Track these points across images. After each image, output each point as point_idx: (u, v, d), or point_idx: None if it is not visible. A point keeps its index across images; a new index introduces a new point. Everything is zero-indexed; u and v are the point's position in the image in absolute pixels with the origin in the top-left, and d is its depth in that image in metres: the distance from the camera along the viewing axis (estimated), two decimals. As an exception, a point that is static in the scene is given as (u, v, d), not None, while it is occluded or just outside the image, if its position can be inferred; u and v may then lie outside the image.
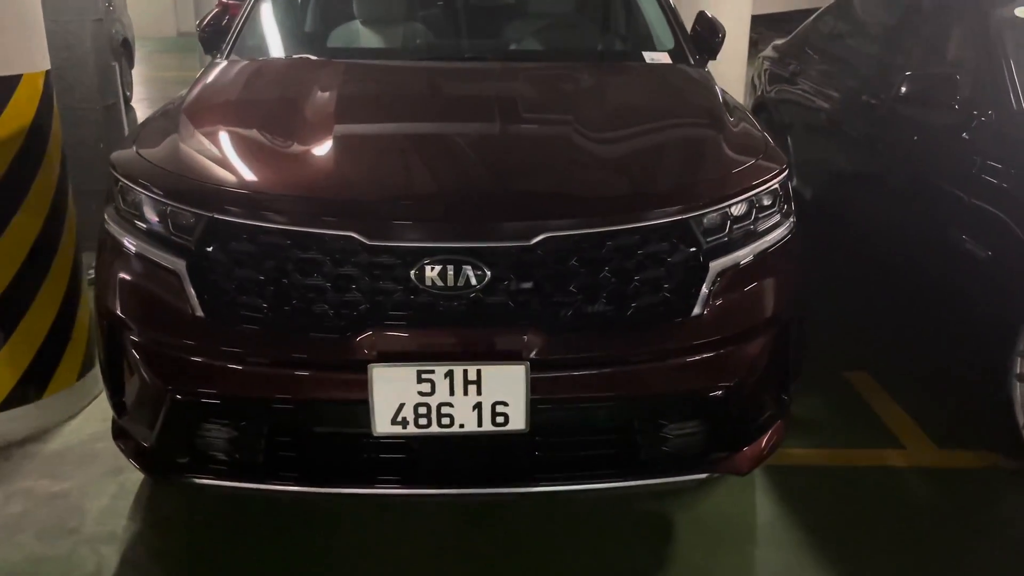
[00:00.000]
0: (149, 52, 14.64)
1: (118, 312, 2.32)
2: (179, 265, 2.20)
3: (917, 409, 3.45)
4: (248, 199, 2.17)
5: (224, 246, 2.18)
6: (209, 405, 2.18)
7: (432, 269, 2.09)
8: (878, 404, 3.51)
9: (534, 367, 2.08)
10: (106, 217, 2.45)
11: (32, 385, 3.15)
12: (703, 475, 2.32)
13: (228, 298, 2.18)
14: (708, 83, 3.09)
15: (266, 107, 2.77)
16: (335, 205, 2.15)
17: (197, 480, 2.28)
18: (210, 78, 3.04)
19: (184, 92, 3.02)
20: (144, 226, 2.31)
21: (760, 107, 5.94)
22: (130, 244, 2.32)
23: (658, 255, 2.20)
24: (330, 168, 2.28)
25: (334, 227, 2.10)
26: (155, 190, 2.27)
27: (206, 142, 2.44)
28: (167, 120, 2.69)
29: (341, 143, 2.38)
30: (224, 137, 2.48)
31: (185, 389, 2.18)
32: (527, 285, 2.13)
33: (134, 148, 2.47)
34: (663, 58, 3.34)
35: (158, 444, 2.28)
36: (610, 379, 2.15)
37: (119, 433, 2.47)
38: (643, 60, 3.33)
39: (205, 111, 2.71)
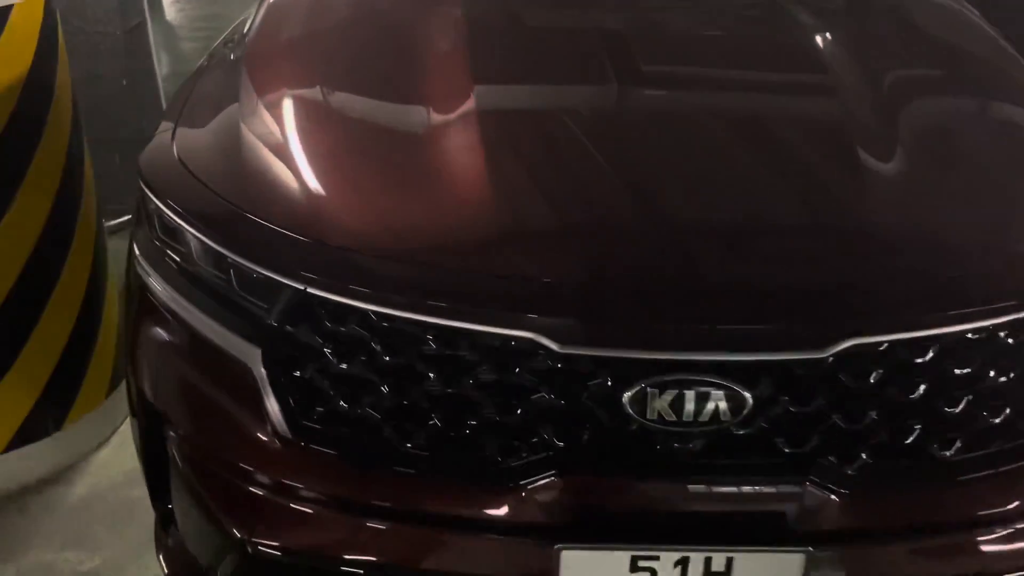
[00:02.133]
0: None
1: (155, 403, 1.56)
2: (250, 353, 1.42)
3: None
4: (365, 269, 1.35)
5: (323, 332, 1.38)
6: (294, 566, 1.44)
7: (659, 394, 1.29)
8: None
9: (817, 546, 1.31)
10: (135, 249, 1.65)
11: (50, 413, 2.43)
12: None
13: (328, 410, 1.40)
14: (996, 35, 2.14)
15: (373, 78, 1.80)
16: (506, 287, 1.32)
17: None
18: (278, 8, 2.12)
19: (244, 20, 2.13)
20: (192, 272, 1.52)
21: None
22: (170, 300, 1.54)
23: (1014, 362, 1.37)
24: (492, 217, 1.42)
25: (505, 323, 1.29)
26: (209, 233, 1.47)
27: (285, 139, 1.60)
28: (222, 82, 1.84)
29: (507, 173, 1.49)
30: (313, 132, 1.63)
31: (256, 538, 1.43)
32: (810, 416, 1.33)
33: (173, 147, 1.63)
34: None
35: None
36: (931, 557, 1.38)
37: (162, 545, 1.76)
38: None
39: (277, 70, 1.83)
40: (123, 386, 2.66)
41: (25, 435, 2.38)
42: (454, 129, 1.56)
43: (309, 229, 1.40)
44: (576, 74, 1.81)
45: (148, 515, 2.32)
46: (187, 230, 1.50)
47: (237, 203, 1.46)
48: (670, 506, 1.33)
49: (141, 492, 2.39)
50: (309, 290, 1.35)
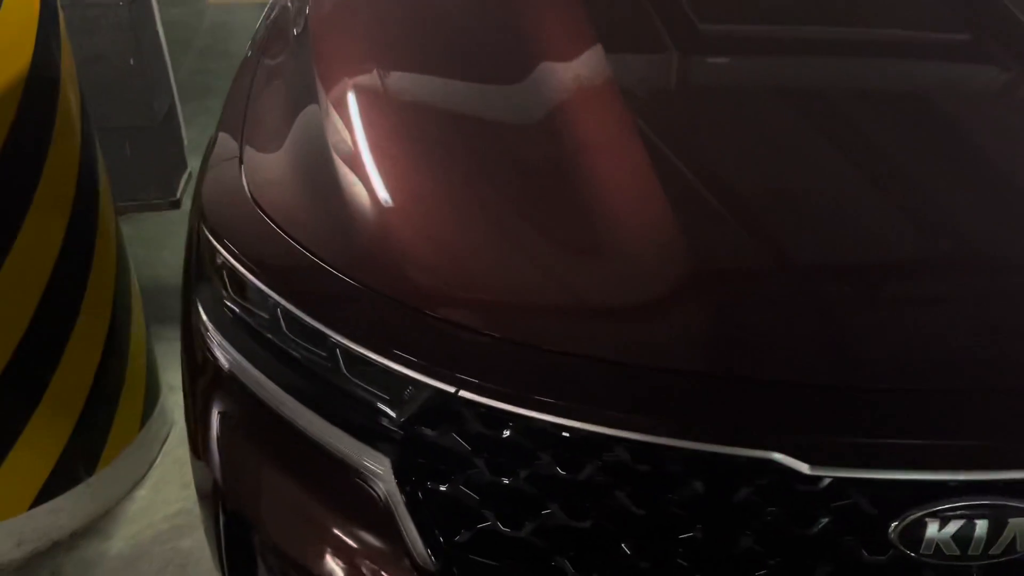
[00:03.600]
0: None
1: (238, 506, 1.25)
2: (376, 464, 1.10)
3: None
4: (538, 369, 1.02)
5: (475, 437, 1.06)
6: None
7: (939, 523, 0.98)
8: None
9: None
10: (201, 311, 1.31)
11: (81, 458, 2.11)
12: None
13: (480, 534, 1.09)
14: None
15: (505, 60, 1.43)
16: (736, 394, 1.00)
17: None
18: None
19: None
20: (280, 346, 1.19)
21: None
22: (251, 380, 1.21)
23: None
24: (713, 298, 1.07)
25: (732, 441, 0.97)
26: (309, 308, 1.13)
27: (392, 164, 1.25)
28: (288, 75, 1.48)
29: (721, 231, 1.14)
30: (429, 150, 1.27)
31: None
32: None
33: (243, 179, 1.28)
34: None
35: None
36: None
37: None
38: None
39: (359, 53, 1.44)
40: (156, 413, 2.35)
41: (55, 486, 2.07)
42: (635, 165, 1.21)
43: (452, 309, 1.06)
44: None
45: (202, 571, 2.06)
46: (272, 298, 1.16)
47: (343, 267, 1.12)
48: None
49: (192, 543, 2.13)
50: (461, 393, 1.02)
